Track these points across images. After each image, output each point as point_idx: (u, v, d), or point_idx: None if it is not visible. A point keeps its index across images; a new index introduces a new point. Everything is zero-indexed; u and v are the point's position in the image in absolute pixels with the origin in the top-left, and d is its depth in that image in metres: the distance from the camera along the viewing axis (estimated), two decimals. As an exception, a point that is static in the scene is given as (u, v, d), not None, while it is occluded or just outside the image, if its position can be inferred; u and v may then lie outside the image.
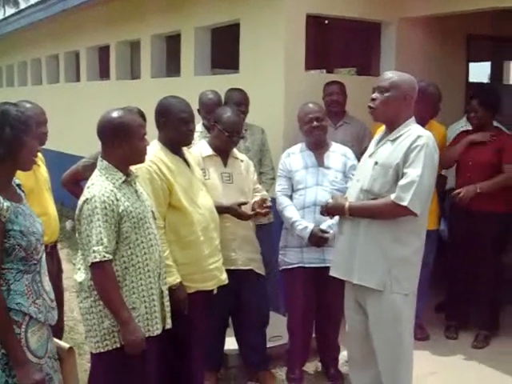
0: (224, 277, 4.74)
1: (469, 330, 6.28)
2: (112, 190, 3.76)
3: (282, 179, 5.40)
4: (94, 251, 3.66)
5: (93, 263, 3.68)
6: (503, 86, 11.70)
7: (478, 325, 6.23)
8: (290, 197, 5.35)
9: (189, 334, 4.51)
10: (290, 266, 5.32)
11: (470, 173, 6.08)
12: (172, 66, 9.31)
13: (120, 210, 3.75)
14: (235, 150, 5.32)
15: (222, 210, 4.84)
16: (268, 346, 5.53)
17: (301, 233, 5.18)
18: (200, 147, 5.13)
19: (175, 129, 4.53)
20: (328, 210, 4.53)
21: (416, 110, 4.38)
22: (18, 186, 3.46)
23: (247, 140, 6.01)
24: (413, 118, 4.30)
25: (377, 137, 4.51)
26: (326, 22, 8.31)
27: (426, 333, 6.19)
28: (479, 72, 10.81)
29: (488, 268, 6.13)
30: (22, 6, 45.74)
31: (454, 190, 6.34)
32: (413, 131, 4.18)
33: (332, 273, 4.52)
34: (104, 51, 11.43)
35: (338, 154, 5.39)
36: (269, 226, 5.84)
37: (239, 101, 6.04)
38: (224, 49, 8.57)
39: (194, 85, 7.66)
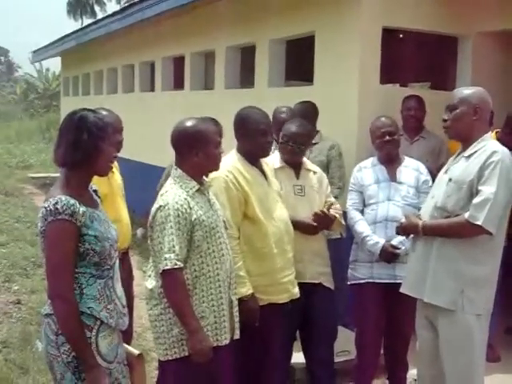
0: (296, 290, 4.72)
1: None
2: (186, 199, 3.80)
3: (354, 193, 5.36)
4: (165, 258, 3.69)
5: (164, 270, 3.71)
6: None
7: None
8: (362, 211, 5.31)
9: (259, 346, 4.50)
10: (360, 281, 5.28)
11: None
12: (246, 78, 9.35)
13: (193, 219, 3.77)
14: (308, 162, 5.30)
15: (294, 224, 4.82)
16: (335, 360, 5.49)
17: (371, 248, 5.13)
18: (273, 159, 5.12)
19: (253, 140, 4.53)
20: (402, 230, 4.48)
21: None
22: (95, 191, 3.52)
23: (312, 153, 5.96)
24: (489, 134, 4.22)
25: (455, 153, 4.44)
26: (401, 35, 8.24)
27: (497, 354, 6.06)
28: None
29: None
30: (99, 16, 46.63)
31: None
32: (488, 147, 4.08)
33: (403, 290, 4.46)
34: (179, 62, 11.56)
35: (410, 168, 5.32)
36: (339, 240, 5.78)
37: (304, 113, 5.99)
38: (299, 61, 8.56)
39: (267, 96, 7.68)
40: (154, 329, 3.95)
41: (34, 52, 21.77)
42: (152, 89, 12.91)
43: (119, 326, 3.42)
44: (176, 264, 3.70)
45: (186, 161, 3.92)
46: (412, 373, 5.27)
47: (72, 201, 3.20)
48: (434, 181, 4.67)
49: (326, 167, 6.03)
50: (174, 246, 3.71)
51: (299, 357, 5.42)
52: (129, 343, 4.32)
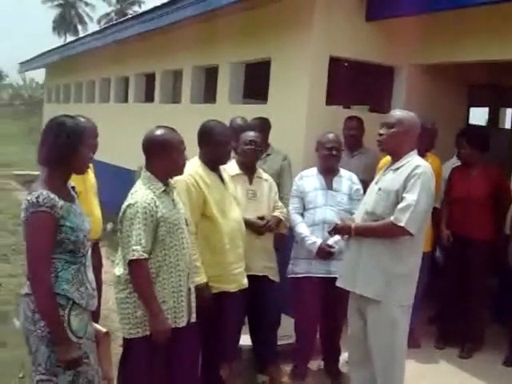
0: (245, 281, 4.77)
1: (456, 343, 6.24)
2: (152, 198, 3.82)
3: (295, 199, 5.44)
4: (132, 250, 3.71)
5: (131, 260, 3.73)
6: (499, 129, 11.68)
7: (465, 338, 6.21)
8: (302, 215, 5.39)
9: (212, 328, 4.54)
10: (299, 275, 5.35)
11: (464, 205, 6.10)
12: (209, 94, 9.38)
13: (158, 216, 3.80)
14: (260, 171, 5.40)
15: (245, 223, 4.88)
16: (278, 343, 5.55)
17: (310, 247, 5.21)
18: (230, 166, 5.17)
19: (214, 149, 4.60)
20: (338, 230, 4.55)
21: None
22: (73, 188, 3.53)
23: (266, 163, 6.04)
24: (415, 151, 4.34)
25: (384, 167, 4.55)
26: (346, 63, 8.33)
27: (418, 342, 6.17)
28: (479, 116, 10.77)
29: (478, 290, 6.13)
30: (81, 34, 46.26)
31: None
32: (413, 162, 4.22)
33: (338, 284, 4.54)
34: (150, 78, 11.55)
35: (345, 178, 5.43)
36: (286, 237, 5.81)
37: (259, 127, 6.03)
38: (255, 82, 8.61)
39: (227, 112, 7.70)
40: (120, 310, 3.96)
41: (22, 63, 21.51)
42: (126, 100, 12.87)
43: (89, 306, 3.43)
44: (142, 255, 3.72)
45: (154, 165, 3.94)
46: (344, 355, 5.34)
47: (52, 195, 3.21)
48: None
49: (278, 176, 6.08)
50: (140, 240, 3.73)
51: (247, 339, 5.47)
52: (96, 323, 4.32)
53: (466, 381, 5.58)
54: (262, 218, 5.18)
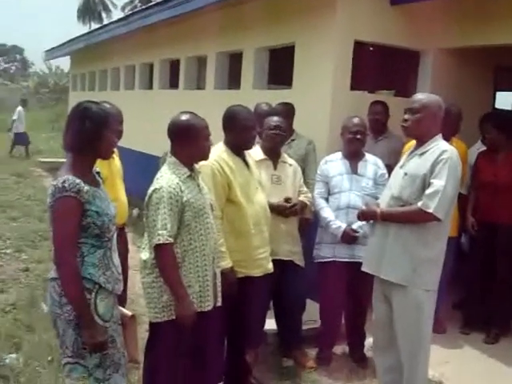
0: (270, 266, 4.76)
1: (482, 328, 6.22)
2: (178, 183, 3.83)
3: (320, 183, 5.45)
4: (158, 234, 3.73)
5: (157, 245, 3.75)
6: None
7: (491, 324, 6.17)
8: (326, 199, 5.39)
9: (237, 313, 4.53)
10: (324, 260, 5.35)
11: (491, 190, 6.05)
12: (233, 80, 9.36)
13: (183, 201, 3.81)
14: (285, 155, 5.39)
15: (270, 208, 4.87)
16: (303, 328, 5.56)
17: (335, 231, 5.21)
18: (255, 151, 5.16)
19: (239, 134, 4.57)
20: (363, 216, 4.54)
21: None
22: (98, 173, 3.55)
23: (291, 148, 6.02)
24: (439, 135, 4.31)
25: (408, 151, 4.52)
26: (371, 48, 8.27)
27: (444, 327, 6.14)
28: (505, 100, 10.60)
29: (505, 275, 6.09)
30: (106, 21, 46.41)
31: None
32: (439, 146, 4.20)
33: (363, 268, 4.53)
34: (174, 64, 11.55)
35: (370, 163, 5.42)
36: (310, 222, 5.81)
37: (284, 112, 6.02)
38: (279, 67, 8.58)
39: (251, 97, 7.68)
40: (146, 295, 3.98)
41: (47, 51, 21.61)
42: (150, 87, 12.89)
43: (115, 290, 3.46)
44: (167, 239, 3.74)
45: (180, 150, 3.95)
46: (369, 340, 5.33)
47: (78, 180, 3.24)
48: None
49: (303, 161, 6.06)
50: (166, 224, 3.75)
51: (272, 323, 5.48)
52: (123, 307, 4.36)
53: (491, 366, 5.57)
54: (288, 200, 5.17)
